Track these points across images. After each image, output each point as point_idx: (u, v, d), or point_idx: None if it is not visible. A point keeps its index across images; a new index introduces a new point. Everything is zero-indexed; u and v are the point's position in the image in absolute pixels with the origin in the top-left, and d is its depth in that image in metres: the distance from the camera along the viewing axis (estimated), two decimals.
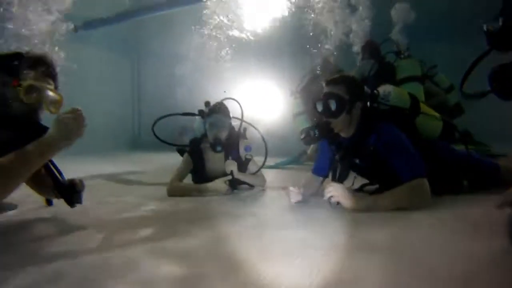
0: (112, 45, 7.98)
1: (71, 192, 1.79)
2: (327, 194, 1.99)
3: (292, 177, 3.92)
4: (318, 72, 5.46)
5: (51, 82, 1.66)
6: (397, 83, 4.28)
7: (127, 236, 1.57)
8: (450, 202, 2.10)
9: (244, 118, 2.93)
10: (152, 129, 2.89)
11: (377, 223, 1.71)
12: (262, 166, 2.87)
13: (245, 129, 2.99)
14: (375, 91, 2.36)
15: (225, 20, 6.87)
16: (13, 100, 1.53)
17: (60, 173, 1.81)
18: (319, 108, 2.19)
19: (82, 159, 5.18)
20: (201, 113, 2.88)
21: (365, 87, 2.33)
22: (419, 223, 1.70)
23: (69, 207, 1.80)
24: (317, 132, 2.17)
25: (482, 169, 2.47)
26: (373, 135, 2.11)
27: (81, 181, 1.86)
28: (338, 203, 1.98)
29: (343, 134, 2.24)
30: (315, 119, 4.79)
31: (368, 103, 2.25)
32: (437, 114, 2.50)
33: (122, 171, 4.36)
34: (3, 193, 1.35)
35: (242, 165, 2.87)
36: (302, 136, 2.65)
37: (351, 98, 2.13)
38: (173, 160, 2.99)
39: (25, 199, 2.26)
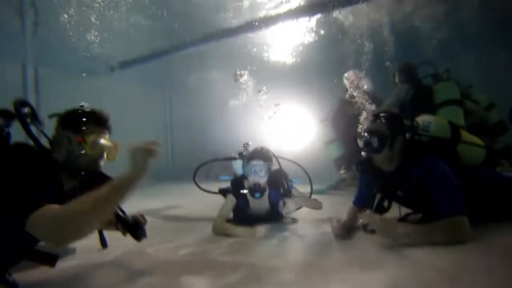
0: (145, 79, 8.39)
1: (135, 227, 1.95)
2: (363, 221, 2.01)
3: (333, 204, 3.94)
4: (347, 97, 5.47)
5: (107, 132, 1.81)
6: (435, 107, 4.23)
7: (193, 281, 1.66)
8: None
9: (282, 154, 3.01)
10: (194, 179, 3.01)
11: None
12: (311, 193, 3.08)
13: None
14: (414, 122, 2.38)
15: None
16: (79, 154, 1.67)
17: (123, 210, 1.97)
18: (361, 144, 2.24)
19: None
20: (241, 155, 2.98)
21: (405, 120, 2.36)
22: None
23: (129, 247, 2.00)
24: (360, 168, 2.21)
25: None
26: (415, 167, 2.12)
27: (143, 216, 2.04)
28: (373, 231, 2.01)
29: (385, 168, 2.26)
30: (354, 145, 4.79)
31: (409, 136, 2.27)
32: (479, 141, 2.46)
33: (163, 205, 4.49)
34: (88, 230, 1.37)
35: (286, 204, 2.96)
36: (342, 172, 2.71)
37: (393, 134, 2.16)
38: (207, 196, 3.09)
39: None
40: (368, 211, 2.15)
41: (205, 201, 4.26)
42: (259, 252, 2.15)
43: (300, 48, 6.97)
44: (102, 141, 1.73)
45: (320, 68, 7.40)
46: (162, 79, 8.76)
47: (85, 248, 2.26)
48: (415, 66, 4.73)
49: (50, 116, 1.78)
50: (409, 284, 1.48)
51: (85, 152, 1.67)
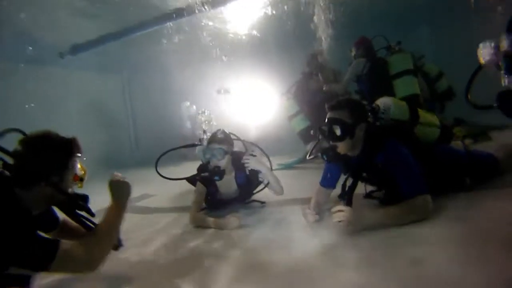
0: (98, 65, 7.99)
1: None
2: (335, 219, 2.11)
3: (298, 180, 4.11)
4: (307, 69, 5.53)
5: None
6: (390, 78, 4.42)
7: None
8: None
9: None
10: (156, 169, 3.05)
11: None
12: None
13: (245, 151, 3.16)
14: (375, 106, 2.48)
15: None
16: (67, 188, 1.64)
17: (93, 222, 1.90)
18: (324, 132, 2.32)
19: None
20: (200, 141, 3.03)
21: (365, 104, 2.46)
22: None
23: None
24: (325, 157, 2.31)
25: (481, 164, 2.62)
26: (379, 154, 2.25)
27: None
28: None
29: (349, 154, 2.37)
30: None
31: (371, 120, 2.38)
32: (434, 121, 2.63)
33: (134, 195, 4.44)
34: (100, 263, 1.53)
35: (253, 181, 3.04)
36: (309, 157, 2.81)
37: (355, 121, 2.25)
38: (175, 175, 3.15)
39: None
40: (337, 206, 2.20)
41: (174, 188, 4.27)
42: (237, 243, 2.25)
43: (260, 20, 6.85)
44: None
45: (280, 40, 7.35)
46: (118, 63, 8.35)
47: None
48: (370, 40, 4.86)
49: (0, 134, 1.66)
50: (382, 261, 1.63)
51: (71, 186, 1.67)
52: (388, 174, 2.24)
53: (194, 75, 8.27)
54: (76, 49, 6.60)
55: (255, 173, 2.97)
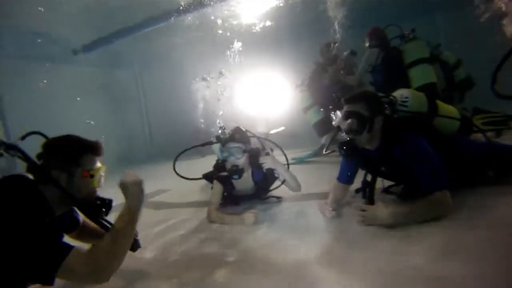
0: (110, 62, 8.05)
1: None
2: (361, 221, 2.10)
3: (314, 174, 4.05)
4: (321, 60, 5.43)
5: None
6: (406, 67, 4.30)
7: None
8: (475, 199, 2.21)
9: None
10: (174, 168, 3.06)
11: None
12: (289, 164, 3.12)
13: (262, 148, 3.12)
14: (392, 98, 2.41)
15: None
16: (83, 187, 1.61)
17: (111, 223, 1.93)
18: (342, 126, 2.26)
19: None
20: (219, 139, 3.00)
21: (382, 97, 2.38)
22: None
23: None
24: (342, 152, 2.25)
25: (505, 157, 2.50)
26: (397, 147, 2.18)
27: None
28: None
29: (367, 147, 2.31)
30: (330, 108, 4.82)
31: (389, 113, 2.31)
32: (454, 112, 2.53)
33: (148, 191, 4.48)
34: (118, 264, 1.49)
35: (270, 178, 3.02)
36: (326, 152, 2.75)
37: (372, 114, 2.19)
38: (190, 170, 3.12)
39: None
40: (356, 204, 2.19)
41: (189, 183, 4.29)
42: (252, 241, 2.22)
43: (273, 11, 6.76)
44: (103, 172, 1.70)
45: (293, 31, 7.26)
46: (129, 59, 8.41)
47: None
48: (382, 30, 4.73)
49: (23, 138, 1.68)
50: (397, 266, 1.57)
51: (89, 185, 1.63)
52: (406, 168, 2.17)
53: (206, 69, 8.27)
54: (88, 46, 6.66)
55: (271, 170, 2.96)
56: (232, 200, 3.11)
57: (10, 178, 1.48)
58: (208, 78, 7.38)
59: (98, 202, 1.67)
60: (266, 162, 2.88)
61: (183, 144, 3.57)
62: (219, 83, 6.54)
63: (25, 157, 1.54)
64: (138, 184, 1.64)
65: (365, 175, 2.44)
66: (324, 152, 3.87)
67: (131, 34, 6.29)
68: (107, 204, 1.69)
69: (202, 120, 7.97)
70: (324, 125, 5.16)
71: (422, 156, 2.10)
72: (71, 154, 1.60)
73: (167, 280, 1.81)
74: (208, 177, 3.30)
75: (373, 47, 4.67)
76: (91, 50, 6.66)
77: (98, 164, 1.69)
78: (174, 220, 2.98)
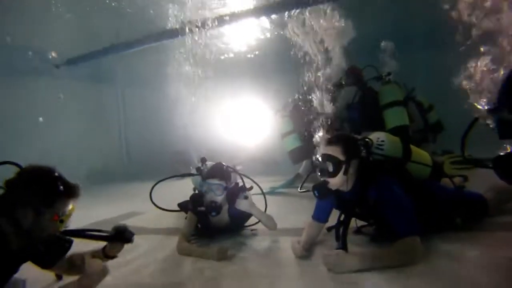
0: (92, 75, 7.97)
1: (120, 232, 1.95)
2: (324, 261, 2.12)
3: (290, 205, 4.08)
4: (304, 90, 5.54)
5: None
6: (381, 108, 4.47)
7: None
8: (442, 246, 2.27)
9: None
10: (150, 197, 3.01)
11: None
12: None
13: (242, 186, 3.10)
14: (368, 140, 2.48)
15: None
16: (48, 228, 1.56)
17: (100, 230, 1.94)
18: (317, 169, 2.32)
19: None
20: (198, 170, 2.99)
21: (358, 139, 2.46)
22: None
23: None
24: (316, 193, 2.29)
25: (471, 204, 2.61)
26: (372, 189, 2.24)
27: (119, 225, 2.01)
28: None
29: (341, 189, 2.35)
30: (306, 135, 4.91)
31: (364, 155, 2.38)
32: (427, 158, 2.63)
33: (120, 213, 4.37)
34: None
35: (244, 215, 3.00)
36: (301, 191, 2.77)
37: (348, 158, 2.24)
38: (166, 192, 3.05)
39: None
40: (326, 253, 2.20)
41: (165, 204, 4.22)
42: (221, 275, 2.20)
43: (258, 42, 6.93)
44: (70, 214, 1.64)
45: (277, 61, 7.41)
46: (112, 75, 8.36)
47: (37, 280, 2.16)
48: (361, 70, 4.93)
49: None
50: None
51: (55, 228, 1.58)
52: (379, 210, 2.23)
53: (189, 91, 8.28)
54: (71, 60, 6.61)
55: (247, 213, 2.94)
56: (206, 232, 3.04)
57: None
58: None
59: (57, 243, 1.60)
60: (242, 205, 2.85)
61: (162, 164, 3.53)
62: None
63: None
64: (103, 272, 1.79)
65: (340, 215, 2.47)
66: (299, 190, 3.89)
67: (113, 53, 6.29)
68: (65, 247, 1.62)
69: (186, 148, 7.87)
70: (300, 153, 5.23)
71: (396, 201, 2.17)
72: (46, 195, 1.53)
73: None
74: (183, 207, 3.25)
75: (350, 85, 4.84)
76: (75, 63, 6.60)
77: (70, 207, 1.62)
78: (142, 248, 2.89)
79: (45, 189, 1.54)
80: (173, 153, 7.68)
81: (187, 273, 2.30)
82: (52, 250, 1.57)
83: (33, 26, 5.15)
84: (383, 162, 2.43)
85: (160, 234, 3.35)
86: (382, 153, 2.46)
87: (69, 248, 1.63)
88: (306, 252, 2.42)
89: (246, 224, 3.17)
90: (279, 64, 7.41)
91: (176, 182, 3.49)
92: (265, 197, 3.20)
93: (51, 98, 7.13)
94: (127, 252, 2.76)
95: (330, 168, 2.23)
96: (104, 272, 1.82)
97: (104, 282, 1.87)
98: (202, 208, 2.85)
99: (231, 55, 7.35)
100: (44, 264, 1.76)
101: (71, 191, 1.61)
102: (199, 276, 2.21)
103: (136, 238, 3.12)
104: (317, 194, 2.30)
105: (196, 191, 3.23)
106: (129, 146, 9.40)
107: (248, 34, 6.63)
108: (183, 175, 3.27)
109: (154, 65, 7.53)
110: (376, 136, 2.56)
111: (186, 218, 2.98)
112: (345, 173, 2.24)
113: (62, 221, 1.56)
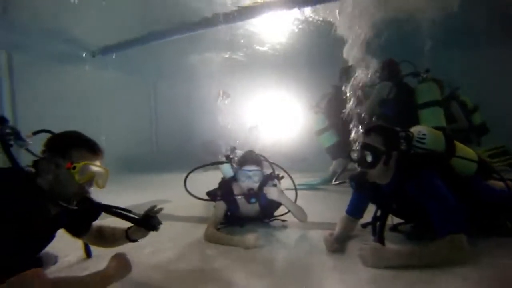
0: (127, 66, 8.12)
1: (147, 219, 1.92)
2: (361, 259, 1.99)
3: (323, 202, 3.94)
4: (340, 83, 5.36)
5: (99, 158, 1.69)
6: (417, 107, 4.27)
7: None
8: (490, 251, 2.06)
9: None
10: (185, 183, 2.92)
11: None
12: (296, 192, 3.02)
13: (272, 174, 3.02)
14: (409, 133, 2.33)
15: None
16: (66, 181, 1.56)
17: (130, 211, 1.91)
18: (355, 158, 2.19)
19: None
20: (228, 159, 2.98)
21: (399, 131, 2.31)
22: None
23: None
24: (353, 184, 2.18)
25: None
26: (411, 183, 2.09)
27: (151, 208, 1.99)
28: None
29: (379, 181, 2.23)
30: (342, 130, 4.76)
31: (404, 148, 2.23)
32: (472, 154, 2.43)
33: (148, 200, 4.39)
34: None
35: (274, 204, 2.92)
36: (335, 183, 2.67)
37: (388, 149, 2.11)
38: (193, 183, 3.01)
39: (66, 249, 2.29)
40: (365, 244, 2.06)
41: (191, 198, 4.19)
42: (250, 265, 2.10)
43: (292, 33, 6.79)
44: (92, 167, 1.62)
45: (311, 54, 7.27)
46: (146, 65, 8.48)
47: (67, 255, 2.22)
48: (398, 64, 4.72)
49: (34, 133, 1.65)
50: None
51: (73, 179, 1.56)
52: (419, 206, 2.07)
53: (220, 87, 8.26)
54: (107, 49, 6.73)
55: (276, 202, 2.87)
56: (234, 221, 2.98)
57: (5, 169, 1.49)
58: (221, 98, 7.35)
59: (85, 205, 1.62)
60: (270, 194, 2.78)
61: (191, 155, 3.50)
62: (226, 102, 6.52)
63: (15, 134, 1.56)
64: (127, 262, 1.75)
65: (376, 211, 2.34)
66: (333, 182, 3.77)
67: (148, 42, 6.33)
68: (94, 213, 1.66)
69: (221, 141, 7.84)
70: (338, 150, 5.09)
71: (439, 195, 2.00)
72: (61, 144, 1.59)
73: None
74: (213, 195, 3.15)
75: (384, 78, 4.63)
76: (110, 52, 6.72)
77: (94, 168, 1.63)
78: (167, 234, 2.77)
79: (60, 141, 1.61)
80: (202, 144, 7.68)
81: (210, 259, 2.23)
82: (83, 217, 1.63)
83: (70, 13, 5.24)
84: (425, 156, 2.27)
85: (187, 221, 3.32)
86: (423, 146, 2.29)
87: (98, 215, 1.68)
88: (339, 245, 2.30)
89: (276, 214, 3.07)
90: (311, 58, 7.29)
91: (202, 174, 3.44)
92: (296, 189, 3.10)
93: (85, 86, 7.34)
94: (152, 235, 2.75)
95: (369, 158, 2.10)
96: (128, 268, 1.79)
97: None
98: (239, 196, 2.80)
99: (265, 47, 7.24)
100: (76, 231, 1.79)
101: (88, 144, 1.64)
102: (223, 264, 2.13)
103: (163, 224, 3.20)
104: (354, 185, 2.18)
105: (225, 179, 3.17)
106: (159, 138, 9.53)
107: (282, 26, 6.49)
108: (214, 163, 3.23)
109: (185, 55, 7.58)
110: (417, 130, 2.40)
111: (214, 207, 2.92)
112: (385, 163, 2.11)
113: (75, 168, 1.55)
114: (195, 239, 2.69)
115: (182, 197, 3.19)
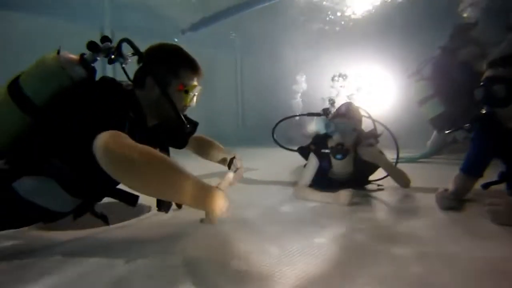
0: (213, 42, 8.25)
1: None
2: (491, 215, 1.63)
3: (426, 172, 3.55)
4: (450, 45, 4.66)
5: (200, 77, 1.62)
6: None
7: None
8: None
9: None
10: (272, 134, 2.76)
11: None
12: (397, 161, 2.69)
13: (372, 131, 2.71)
14: None
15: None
16: (176, 101, 1.47)
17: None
18: (479, 95, 1.77)
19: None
20: (325, 112, 2.70)
21: None
22: None
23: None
24: (478, 125, 1.77)
25: None
26: None
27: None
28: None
29: (510, 126, 1.78)
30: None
31: None
32: None
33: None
34: (128, 185, 1.17)
35: (371, 166, 2.61)
36: (447, 132, 2.27)
37: None
38: (279, 154, 2.80)
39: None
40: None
41: (279, 165, 4.05)
42: (344, 222, 1.85)
43: None
44: (199, 89, 1.58)
45: (409, 18, 6.55)
46: (232, 40, 8.56)
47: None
48: None
49: (133, 54, 1.57)
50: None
51: (182, 101, 1.51)
52: None
53: (305, 57, 7.94)
54: (196, 25, 6.88)
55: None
56: (324, 182, 2.63)
57: (106, 77, 1.43)
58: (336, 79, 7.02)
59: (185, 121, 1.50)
60: (365, 153, 2.46)
61: (276, 132, 3.30)
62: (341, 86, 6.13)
63: (134, 49, 1.46)
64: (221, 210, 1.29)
65: (505, 166, 1.92)
66: (445, 132, 3.14)
67: (239, 12, 6.26)
68: (193, 126, 1.56)
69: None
70: (444, 120, 4.47)
71: None
72: (173, 63, 1.50)
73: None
74: (303, 150, 2.91)
75: None
76: (198, 29, 6.88)
77: (195, 83, 1.57)
78: (258, 195, 2.71)
79: (173, 58, 1.51)
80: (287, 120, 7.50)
81: (298, 216, 2.02)
82: (182, 130, 1.52)
83: None
84: None
85: (276, 185, 3.15)
86: None
87: (195, 128, 1.59)
88: (455, 202, 1.92)
89: (371, 179, 2.76)
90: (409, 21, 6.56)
91: (286, 153, 3.23)
92: (397, 158, 2.75)
93: None
94: (240, 195, 2.66)
95: (502, 93, 1.68)
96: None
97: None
98: (327, 151, 2.52)
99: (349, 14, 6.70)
100: (177, 143, 1.72)
101: (194, 64, 1.56)
102: (309, 220, 1.91)
103: (251, 187, 3.10)
104: (477, 126, 1.77)
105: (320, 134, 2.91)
106: (245, 111, 9.62)
107: None
108: (309, 114, 3.01)
109: (271, 30, 7.42)
110: None
111: (305, 166, 2.70)
112: None
113: (187, 92, 1.50)
114: (286, 196, 2.53)
115: (268, 166, 3.05)
